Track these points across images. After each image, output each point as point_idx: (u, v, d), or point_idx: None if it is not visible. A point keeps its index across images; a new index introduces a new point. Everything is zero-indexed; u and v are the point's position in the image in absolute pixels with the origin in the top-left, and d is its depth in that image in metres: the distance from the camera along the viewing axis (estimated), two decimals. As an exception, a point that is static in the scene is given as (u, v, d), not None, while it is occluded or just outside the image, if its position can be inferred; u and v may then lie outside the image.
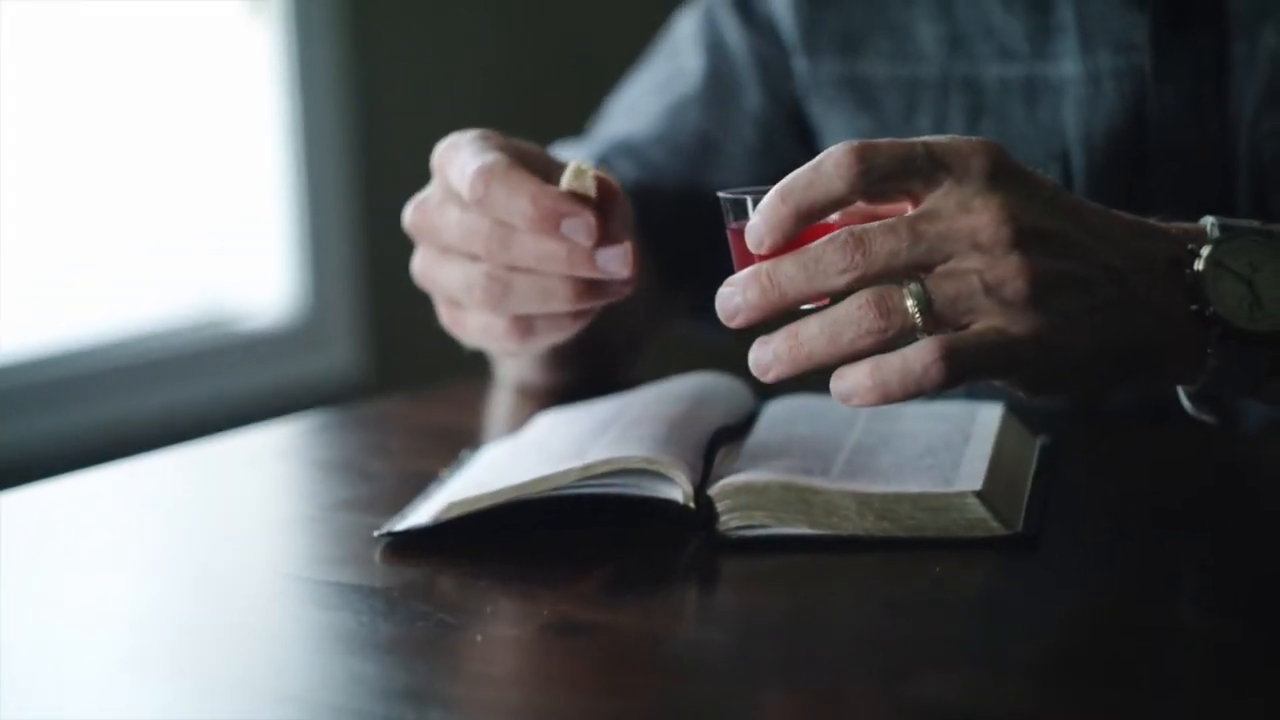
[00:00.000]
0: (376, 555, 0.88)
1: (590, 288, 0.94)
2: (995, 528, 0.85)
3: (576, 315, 0.97)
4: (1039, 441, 0.98)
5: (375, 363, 2.50)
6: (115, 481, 1.04)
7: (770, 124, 1.29)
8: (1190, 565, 0.86)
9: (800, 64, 1.27)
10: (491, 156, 0.94)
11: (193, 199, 2.39)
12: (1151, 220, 0.89)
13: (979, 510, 0.85)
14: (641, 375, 1.15)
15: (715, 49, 1.31)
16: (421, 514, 0.91)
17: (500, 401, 1.24)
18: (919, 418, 0.98)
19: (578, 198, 0.93)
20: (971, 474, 0.89)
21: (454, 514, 0.88)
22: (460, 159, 0.95)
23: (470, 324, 1.00)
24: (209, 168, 2.41)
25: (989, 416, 0.98)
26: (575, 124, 2.86)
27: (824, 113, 1.27)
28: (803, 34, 1.26)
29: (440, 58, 2.55)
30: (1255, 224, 0.88)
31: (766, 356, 0.84)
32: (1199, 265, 0.86)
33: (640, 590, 0.84)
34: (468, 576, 0.86)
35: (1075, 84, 1.15)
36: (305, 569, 0.88)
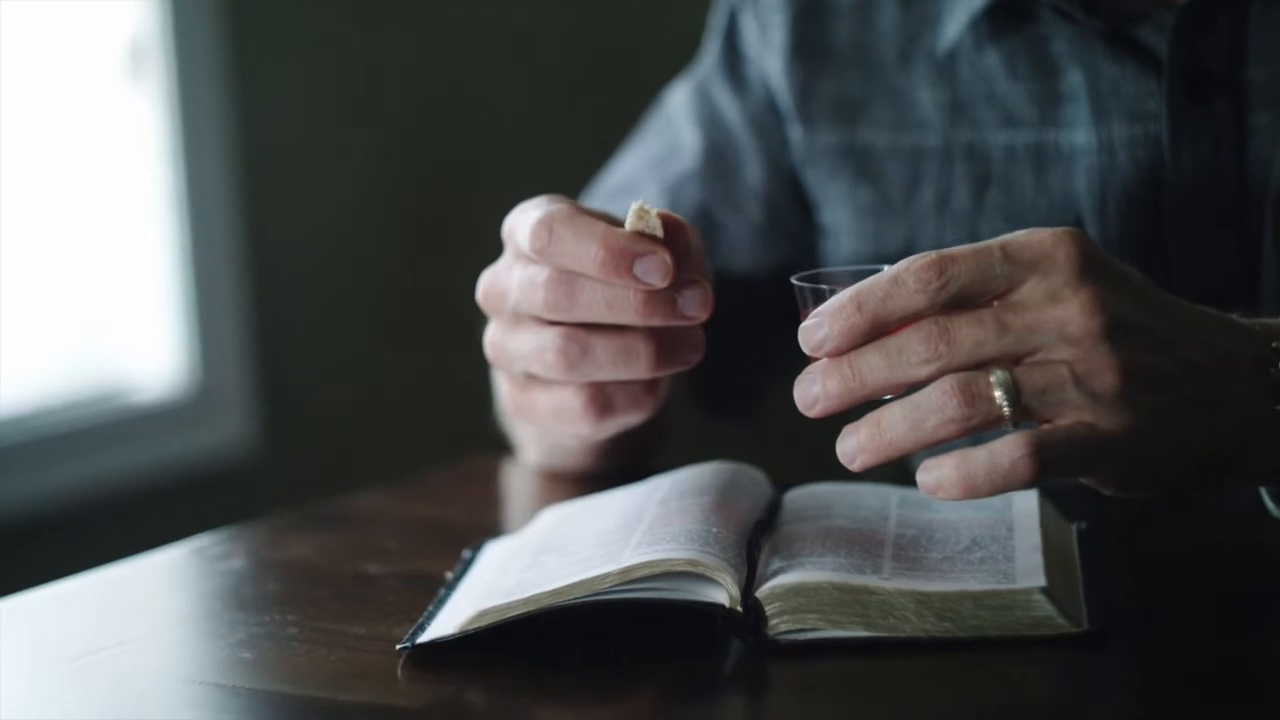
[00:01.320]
0: (399, 670, 0.82)
1: (668, 351, 0.88)
2: (1063, 625, 0.81)
3: (650, 388, 0.91)
4: (1074, 528, 0.94)
5: (266, 435, 2.44)
6: (89, 588, 0.97)
7: (773, 198, 1.25)
8: (1254, 658, 0.82)
9: (796, 132, 1.23)
10: (555, 206, 0.88)
11: (77, 272, 2.32)
12: (1233, 316, 0.86)
13: (1046, 608, 0.81)
14: (646, 466, 1.10)
15: (711, 123, 1.27)
16: (444, 624, 0.85)
17: (489, 494, 1.19)
18: (954, 506, 0.94)
19: (647, 237, 0.87)
20: (1030, 568, 0.85)
21: (485, 623, 0.82)
22: (527, 215, 0.90)
23: (541, 404, 0.93)
24: (94, 240, 2.33)
25: (1026, 503, 0.94)
26: (467, 189, 2.82)
27: (822, 184, 1.23)
28: (797, 101, 1.23)
29: (327, 126, 2.50)
30: None
31: (851, 446, 0.81)
32: None
33: (689, 703, 0.80)
34: (503, 692, 0.81)
35: (1087, 153, 1.12)
36: (325, 690, 0.82)
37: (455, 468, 1.26)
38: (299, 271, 2.45)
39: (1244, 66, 1.08)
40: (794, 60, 1.23)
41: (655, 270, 0.86)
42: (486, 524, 1.17)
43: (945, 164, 1.17)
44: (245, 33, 2.40)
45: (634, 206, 0.88)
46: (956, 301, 0.81)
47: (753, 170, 1.25)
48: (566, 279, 0.87)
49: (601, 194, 1.32)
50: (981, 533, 0.90)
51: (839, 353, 0.82)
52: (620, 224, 0.89)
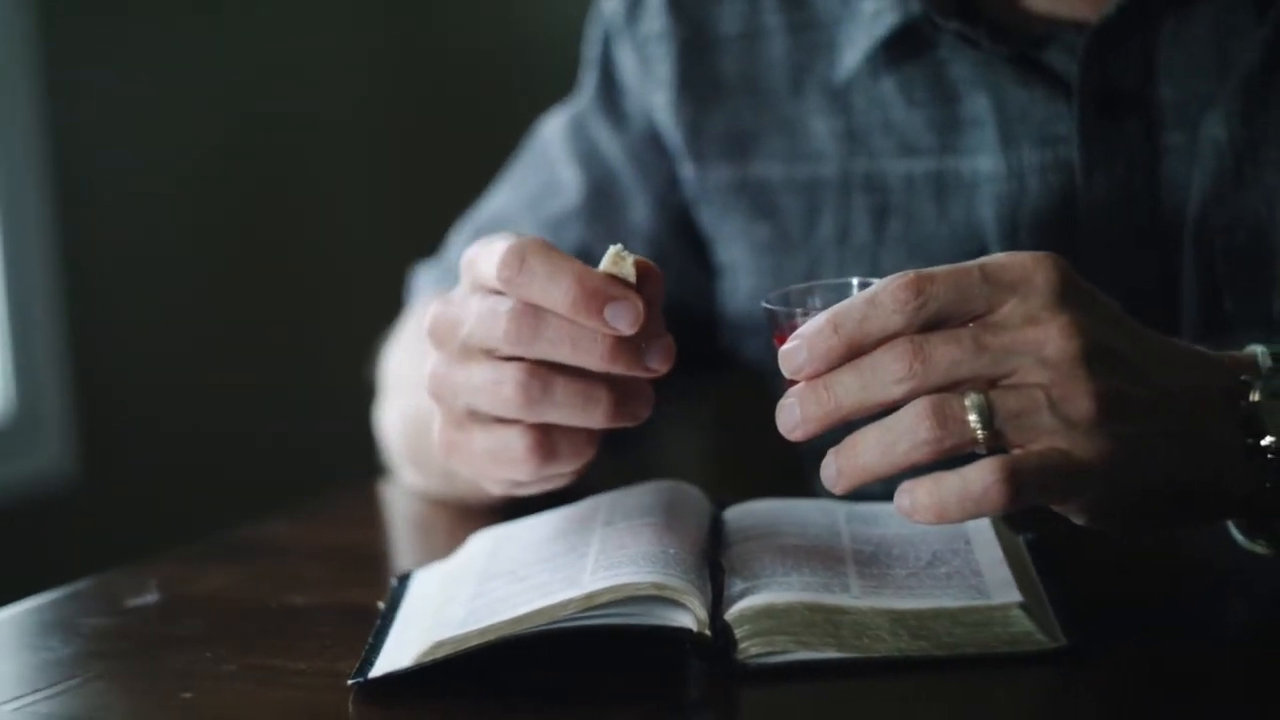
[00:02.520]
0: (351, 706, 0.79)
1: (622, 402, 0.85)
2: (1041, 641, 0.79)
3: (592, 438, 0.86)
4: (1022, 540, 0.93)
5: (85, 464, 2.38)
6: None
7: (659, 236, 1.21)
8: (1231, 669, 0.81)
9: (687, 170, 1.20)
10: (527, 238, 0.85)
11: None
12: (1202, 349, 0.85)
13: (1025, 623, 0.79)
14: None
15: (591, 159, 1.23)
16: (393, 656, 0.82)
17: (394, 518, 1.14)
18: (903, 520, 0.91)
19: (621, 282, 0.84)
20: (1001, 582, 0.83)
21: (442, 654, 0.79)
22: (492, 247, 0.85)
23: (479, 444, 0.87)
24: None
25: (976, 516, 0.92)
26: (290, 198, 2.74)
27: (717, 221, 1.20)
28: (687, 138, 1.19)
29: (146, 140, 2.44)
30: None
31: (831, 473, 0.80)
32: (1255, 396, 0.83)
33: (656, 730, 0.77)
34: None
35: (995, 180, 1.10)
36: (278, 731, 0.78)
37: (355, 491, 1.22)
38: (120, 288, 2.38)
39: (1155, 86, 1.07)
40: (681, 95, 1.19)
41: (626, 316, 0.82)
42: (401, 550, 1.14)
43: (843, 195, 1.15)
44: (59, 42, 2.33)
45: (611, 250, 0.84)
46: (934, 322, 0.79)
47: (637, 209, 1.22)
48: (532, 313, 0.83)
49: (472, 228, 1.27)
50: (941, 547, 0.88)
51: (817, 375, 0.80)
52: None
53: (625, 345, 0.83)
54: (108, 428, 2.37)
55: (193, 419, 2.46)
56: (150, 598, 0.96)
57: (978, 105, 1.10)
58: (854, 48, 1.14)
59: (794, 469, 1.23)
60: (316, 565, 1.03)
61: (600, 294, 0.82)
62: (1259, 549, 0.86)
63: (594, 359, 0.83)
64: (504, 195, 1.28)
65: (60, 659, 0.88)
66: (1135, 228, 1.07)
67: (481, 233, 1.26)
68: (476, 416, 0.87)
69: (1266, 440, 0.82)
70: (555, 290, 0.82)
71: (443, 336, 0.87)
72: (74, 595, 0.98)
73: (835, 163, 1.15)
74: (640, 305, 0.82)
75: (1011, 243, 1.09)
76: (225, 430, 2.51)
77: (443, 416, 0.89)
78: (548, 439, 0.85)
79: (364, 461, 1.37)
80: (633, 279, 0.83)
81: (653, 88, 1.21)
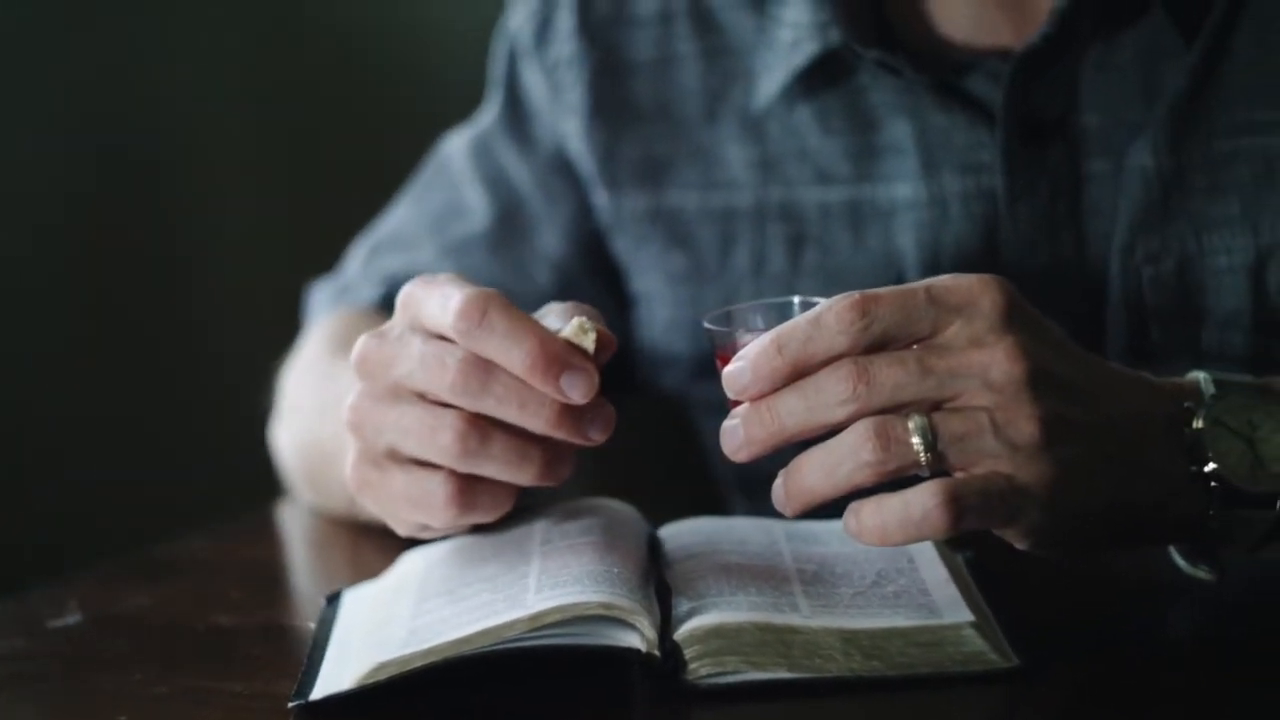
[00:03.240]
0: (292, 729, 0.77)
1: (552, 461, 0.83)
2: (994, 661, 0.78)
3: (513, 493, 0.85)
4: (961, 558, 0.92)
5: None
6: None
7: (567, 265, 1.19)
8: (1186, 685, 0.81)
9: (600, 198, 1.19)
10: (488, 290, 0.82)
11: None
12: (1145, 374, 0.85)
13: (977, 643, 0.78)
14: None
15: (497, 183, 1.21)
16: (333, 678, 0.80)
17: (312, 536, 1.12)
18: (843, 539, 0.90)
19: (580, 351, 0.82)
20: (950, 601, 0.82)
21: (385, 676, 0.77)
22: (442, 290, 0.83)
23: (397, 485, 0.85)
24: None
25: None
26: (156, 202, 2.63)
27: (631, 250, 1.18)
28: (600, 164, 1.18)
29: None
30: (1248, 378, 0.86)
31: (780, 495, 0.79)
32: (1198, 423, 0.83)
33: (605, 753, 0.76)
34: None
35: (916, 207, 1.09)
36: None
37: (267, 510, 1.19)
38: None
39: (1078, 113, 1.06)
40: (593, 121, 1.18)
41: (580, 387, 0.81)
42: (323, 569, 1.11)
43: (758, 224, 1.14)
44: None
45: (575, 320, 0.83)
46: (879, 344, 0.78)
47: (544, 236, 1.20)
48: (483, 367, 0.82)
49: (371, 244, 1.25)
50: (885, 565, 0.87)
51: (761, 396, 0.79)
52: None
53: (571, 414, 0.82)
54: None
55: (52, 425, 2.40)
56: (72, 618, 0.94)
57: (898, 132, 1.10)
58: (771, 76, 1.13)
59: (711, 493, 1.23)
60: (238, 585, 1.00)
61: (560, 361, 0.81)
62: (1201, 574, 0.86)
63: (539, 423, 0.82)
64: (405, 212, 1.25)
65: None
66: (1060, 256, 1.07)
67: (381, 250, 1.24)
68: (396, 457, 0.85)
69: (1209, 467, 0.82)
70: (515, 350, 0.81)
71: (372, 370, 0.85)
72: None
73: (750, 191, 1.14)
74: (596, 377, 0.82)
75: (932, 270, 1.08)
76: (85, 432, 2.44)
77: (359, 451, 0.87)
78: (470, 489, 0.84)
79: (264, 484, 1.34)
80: (591, 351, 0.82)
81: (564, 114, 1.19)
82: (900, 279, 1.06)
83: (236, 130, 2.52)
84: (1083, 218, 1.07)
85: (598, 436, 0.83)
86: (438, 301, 0.83)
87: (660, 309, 1.18)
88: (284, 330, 1.28)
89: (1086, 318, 1.07)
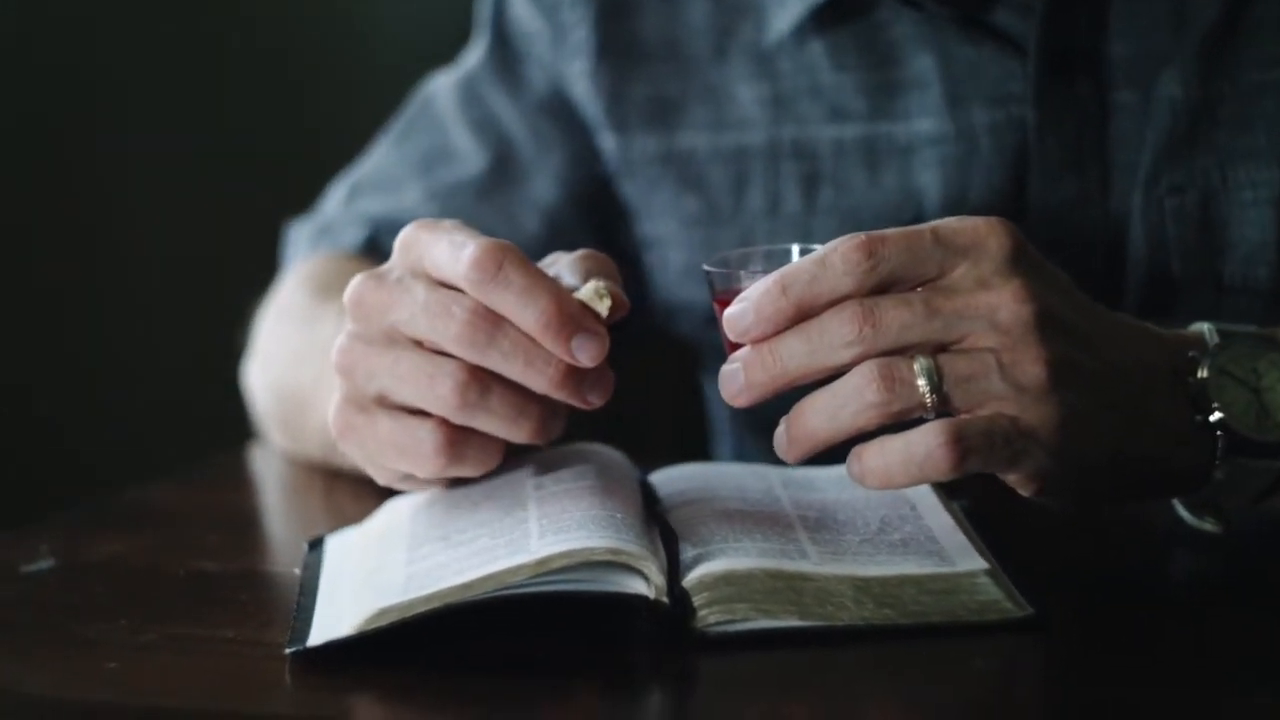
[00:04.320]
0: (288, 675, 0.74)
1: (547, 419, 0.82)
2: (1009, 609, 0.77)
3: (503, 449, 0.83)
4: (958, 506, 0.90)
5: None
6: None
7: (558, 213, 1.17)
8: (1200, 634, 0.79)
9: (608, 141, 1.16)
10: (504, 243, 0.80)
11: None
12: (1149, 325, 0.84)
13: (992, 591, 0.77)
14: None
15: (486, 128, 1.19)
16: (329, 624, 0.77)
17: (287, 481, 1.10)
18: (841, 485, 0.89)
19: (594, 315, 0.80)
20: (960, 548, 0.81)
21: (386, 621, 0.75)
22: (450, 237, 0.80)
23: (384, 431, 0.82)
24: None
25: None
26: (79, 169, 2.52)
27: (643, 195, 1.16)
28: (608, 107, 1.15)
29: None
30: (1252, 328, 0.85)
31: (782, 440, 0.78)
32: (1203, 373, 0.82)
33: (612, 702, 0.74)
34: (408, 696, 0.74)
35: (941, 142, 1.08)
36: (214, 701, 0.73)
37: (238, 455, 1.17)
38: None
39: (1107, 43, 1.05)
40: (601, 62, 1.15)
41: (591, 350, 0.79)
42: (299, 514, 1.09)
43: (771, 163, 1.12)
44: None
45: (593, 284, 0.81)
46: (885, 285, 0.77)
47: (536, 183, 1.17)
48: (491, 320, 0.79)
49: (351, 184, 1.22)
50: (888, 513, 0.85)
51: (764, 338, 0.77)
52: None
53: (575, 377, 0.80)
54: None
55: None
56: (45, 564, 0.91)
57: (921, 66, 1.08)
58: (784, 11, 1.11)
59: (701, 441, 1.21)
60: (216, 530, 0.98)
61: (573, 322, 0.79)
62: (1207, 527, 0.85)
63: (542, 381, 0.80)
64: (388, 154, 1.22)
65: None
66: (1085, 190, 1.06)
67: (363, 191, 1.21)
68: (385, 403, 0.83)
69: (1215, 416, 0.82)
70: (530, 307, 0.78)
71: (367, 313, 0.83)
72: None
73: (762, 130, 1.12)
74: (607, 342, 0.80)
75: (956, 205, 1.07)
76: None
77: (345, 394, 0.85)
78: (461, 440, 0.82)
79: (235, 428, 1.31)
80: (605, 316, 0.80)
81: (567, 56, 1.17)
82: (918, 218, 1.04)
83: (159, 91, 2.46)
84: (1108, 149, 1.06)
85: (596, 400, 0.81)
86: (446, 248, 0.80)
87: (674, 254, 1.16)
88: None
89: (1108, 250, 1.06)
